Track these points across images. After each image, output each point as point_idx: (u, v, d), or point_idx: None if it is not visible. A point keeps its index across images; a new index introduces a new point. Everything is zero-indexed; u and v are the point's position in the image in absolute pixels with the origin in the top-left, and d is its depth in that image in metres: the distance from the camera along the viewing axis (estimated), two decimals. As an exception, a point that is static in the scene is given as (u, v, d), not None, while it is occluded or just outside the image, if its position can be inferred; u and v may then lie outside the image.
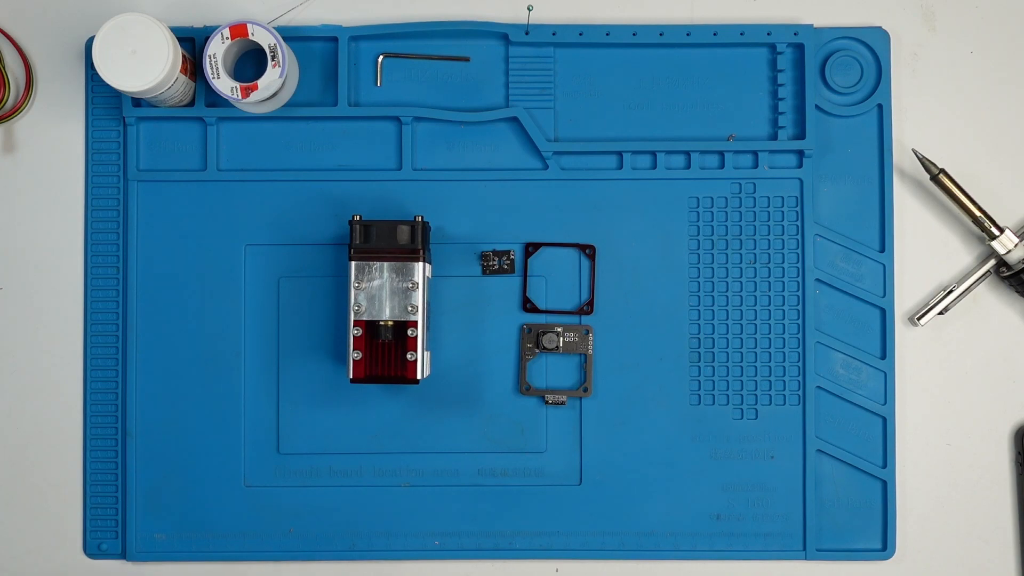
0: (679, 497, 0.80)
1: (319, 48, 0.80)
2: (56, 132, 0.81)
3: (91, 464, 0.80)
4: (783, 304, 0.80)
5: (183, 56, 0.75)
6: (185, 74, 0.75)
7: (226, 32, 0.75)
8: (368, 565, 0.80)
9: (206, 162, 0.80)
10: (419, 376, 0.74)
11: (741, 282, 0.80)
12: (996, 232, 0.79)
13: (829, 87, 0.81)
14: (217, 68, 0.75)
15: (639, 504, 0.80)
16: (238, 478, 0.79)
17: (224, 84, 0.75)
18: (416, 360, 0.74)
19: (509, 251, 0.80)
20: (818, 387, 0.80)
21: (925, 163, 0.79)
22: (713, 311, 0.80)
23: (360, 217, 0.75)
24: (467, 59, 0.80)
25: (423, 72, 0.81)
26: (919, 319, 0.80)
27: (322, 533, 0.80)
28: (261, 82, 0.75)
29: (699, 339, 0.80)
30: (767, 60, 0.81)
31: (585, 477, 0.80)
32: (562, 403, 0.80)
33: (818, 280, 0.80)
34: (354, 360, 0.74)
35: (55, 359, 0.80)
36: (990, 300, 0.82)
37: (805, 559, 0.80)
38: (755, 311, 0.80)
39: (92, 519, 0.80)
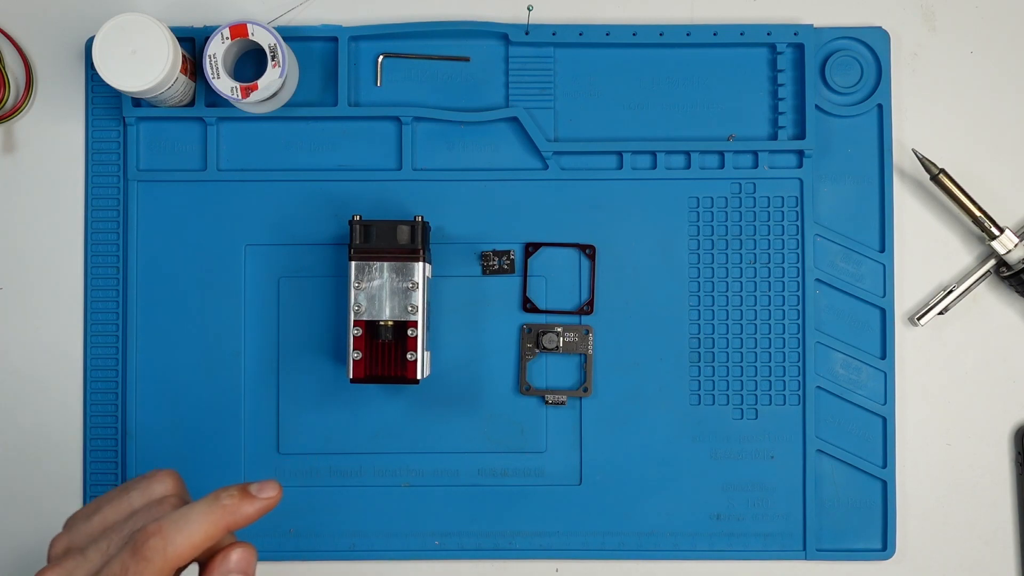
0: (679, 497, 0.80)
1: (319, 48, 0.80)
2: (56, 132, 0.81)
3: (91, 464, 0.80)
4: (783, 304, 0.80)
5: (183, 56, 0.75)
6: (185, 74, 0.75)
7: (226, 32, 0.75)
8: (368, 565, 0.80)
9: (206, 162, 0.80)
10: (419, 376, 0.74)
11: (741, 282, 0.80)
12: (996, 232, 0.78)
13: (829, 87, 0.81)
14: (217, 68, 0.75)
15: (639, 504, 0.80)
16: (238, 478, 0.79)
17: (224, 84, 0.75)
18: (416, 360, 0.74)
19: (509, 251, 0.80)
20: (818, 387, 0.80)
21: (925, 163, 0.79)
22: (713, 311, 0.80)
23: (360, 217, 0.75)
24: (467, 59, 0.80)
25: (423, 72, 0.81)
26: (919, 319, 0.80)
27: (322, 533, 0.80)
28: (261, 82, 0.75)
29: (699, 339, 0.80)
30: (767, 60, 0.81)
31: (585, 477, 0.80)
32: (562, 403, 0.80)
33: (818, 280, 0.80)
34: (354, 360, 0.74)
35: (55, 359, 0.80)
36: (990, 300, 0.82)
37: (805, 559, 0.80)
38: (755, 311, 0.80)
39: (92, 519, 0.80)
